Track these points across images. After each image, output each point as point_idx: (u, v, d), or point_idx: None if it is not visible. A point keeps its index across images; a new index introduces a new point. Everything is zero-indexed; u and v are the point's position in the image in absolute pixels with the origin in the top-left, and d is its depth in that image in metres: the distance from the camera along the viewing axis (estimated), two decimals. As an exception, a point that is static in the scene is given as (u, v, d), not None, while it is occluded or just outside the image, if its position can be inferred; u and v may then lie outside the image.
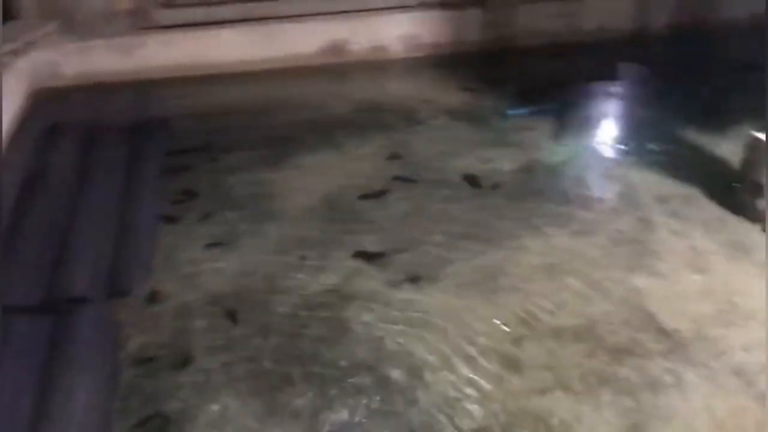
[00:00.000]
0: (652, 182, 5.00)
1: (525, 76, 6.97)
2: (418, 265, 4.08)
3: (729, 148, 5.18)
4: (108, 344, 3.52)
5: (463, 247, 4.23)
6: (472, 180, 5.02)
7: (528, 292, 3.83)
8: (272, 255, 4.22)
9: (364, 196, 4.83)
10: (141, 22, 6.93)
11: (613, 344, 3.47)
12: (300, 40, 7.12)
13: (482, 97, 6.43)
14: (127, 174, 5.18)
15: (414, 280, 3.95)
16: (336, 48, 7.18)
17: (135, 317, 3.70)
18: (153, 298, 3.85)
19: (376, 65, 7.26)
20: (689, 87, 6.59)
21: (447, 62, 7.27)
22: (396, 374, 3.27)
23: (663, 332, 3.55)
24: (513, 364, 3.34)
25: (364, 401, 3.13)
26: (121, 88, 6.69)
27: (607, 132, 5.96)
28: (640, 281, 3.93)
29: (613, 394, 3.17)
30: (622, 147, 5.58)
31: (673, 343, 3.48)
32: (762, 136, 4.49)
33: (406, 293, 3.85)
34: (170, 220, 4.61)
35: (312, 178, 5.10)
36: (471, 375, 3.26)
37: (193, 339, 3.54)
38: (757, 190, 4.53)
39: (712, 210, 4.66)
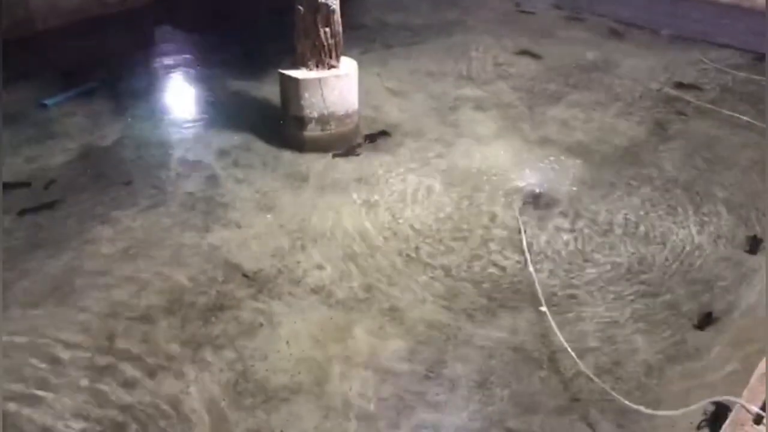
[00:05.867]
0: (211, 139, 5.10)
1: (56, 60, 6.40)
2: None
3: (269, 90, 5.51)
4: None
5: (24, 262, 3.80)
6: (15, 187, 4.49)
7: (108, 285, 3.63)
8: None
9: None
10: None
11: (203, 306, 3.50)
12: None
13: (12, 91, 5.71)
14: None
15: None
16: None
17: None
18: None
19: None
20: (223, 39, 6.80)
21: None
22: None
23: (247, 277, 3.70)
24: (105, 369, 3.15)
25: None
26: None
27: (158, 99, 5.84)
28: (216, 237, 4.02)
29: (213, 351, 3.22)
30: (174, 110, 5.57)
31: (258, 284, 3.65)
32: (290, 72, 4.86)
33: None
34: None
35: None
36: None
37: None
38: (298, 122, 4.94)
39: (267, 150, 4.96)
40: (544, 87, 5.93)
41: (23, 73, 5.96)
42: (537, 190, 4.53)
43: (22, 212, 4.22)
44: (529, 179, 4.66)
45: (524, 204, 4.38)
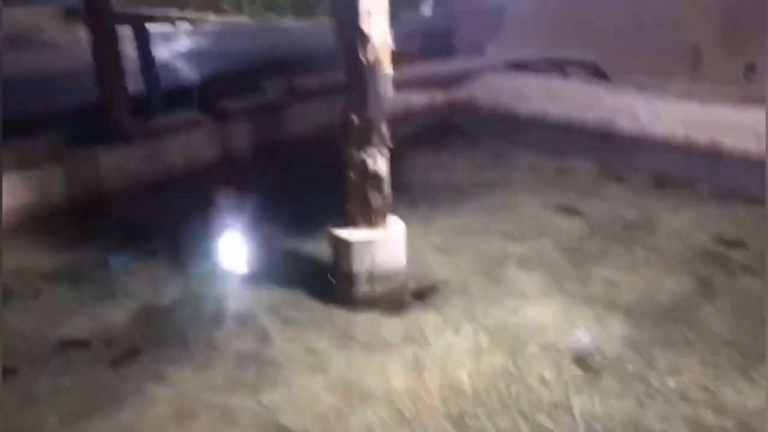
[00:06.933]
0: (264, 296, 5.30)
1: (122, 222, 6.84)
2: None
3: (320, 248, 5.75)
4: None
5: (81, 423, 3.91)
6: (74, 346, 4.73)
7: (162, 446, 3.70)
8: None
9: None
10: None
11: (252, 473, 3.53)
12: None
13: (77, 251, 6.10)
14: None
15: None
16: None
17: None
18: None
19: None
20: (278, 199, 7.19)
21: (33, 225, 6.76)
22: None
23: (296, 442, 3.73)
24: None
25: None
26: None
27: (216, 258, 6.15)
28: (268, 398, 4.09)
29: None
30: (230, 268, 5.84)
31: (307, 447, 3.67)
32: (340, 232, 5.11)
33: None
34: None
35: None
36: None
37: None
38: (348, 280, 5.12)
39: (317, 308, 5.12)
40: (587, 244, 6.06)
41: (89, 234, 6.37)
42: (585, 350, 4.53)
43: (80, 372, 4.40)
44: (576, 339, 4.67)
45: (572, 364, 4.38)
